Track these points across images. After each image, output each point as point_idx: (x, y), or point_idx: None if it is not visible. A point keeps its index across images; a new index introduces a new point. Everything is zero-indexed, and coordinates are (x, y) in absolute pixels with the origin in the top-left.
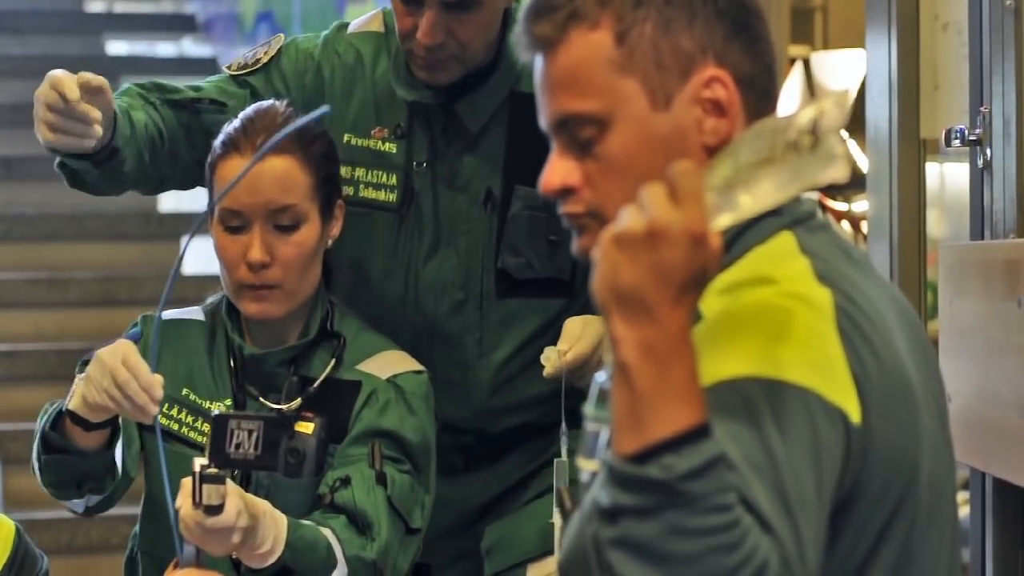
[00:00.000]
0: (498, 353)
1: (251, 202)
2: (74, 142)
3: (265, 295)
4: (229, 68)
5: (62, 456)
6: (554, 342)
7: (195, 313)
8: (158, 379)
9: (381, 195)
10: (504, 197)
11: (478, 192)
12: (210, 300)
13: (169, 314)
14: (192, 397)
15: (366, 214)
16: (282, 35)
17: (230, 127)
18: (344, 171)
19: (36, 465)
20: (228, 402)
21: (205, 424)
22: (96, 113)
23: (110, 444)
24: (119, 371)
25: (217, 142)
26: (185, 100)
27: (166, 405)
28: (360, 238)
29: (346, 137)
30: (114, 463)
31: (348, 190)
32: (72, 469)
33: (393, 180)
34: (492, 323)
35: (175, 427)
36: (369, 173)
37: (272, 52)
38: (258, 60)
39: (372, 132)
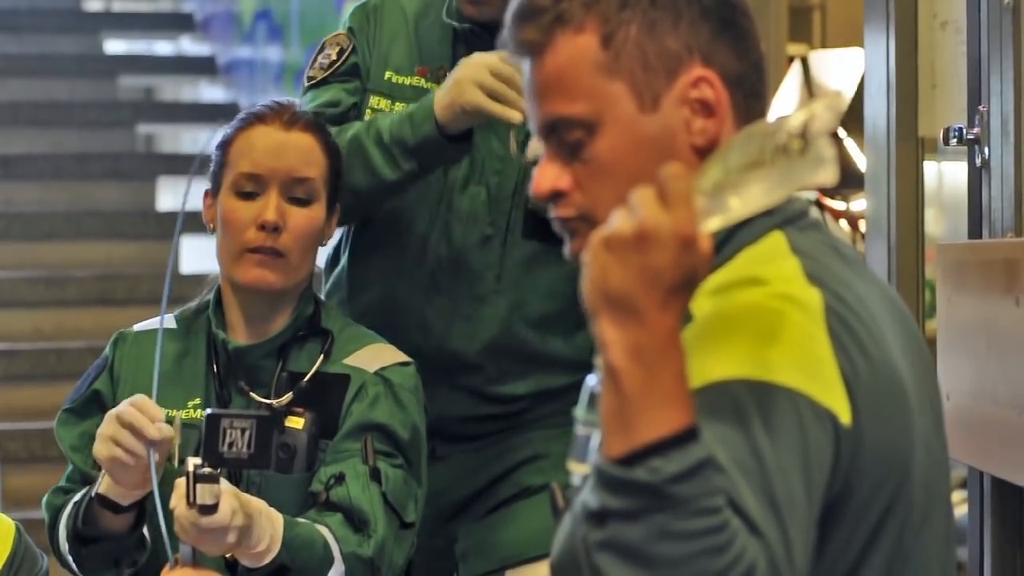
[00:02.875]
0: (514, 294)
1: (274, 167)
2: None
3: (268, 261)
4: (315, 79)
5: (97, 545)
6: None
7: (166, 322)
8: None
9: None
10: None
11: (515, 133)
12: (187, 306)
13: (140, 326)
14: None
15: None
16: (342, 33)
17: (246, 110)
18: (383, 103)
19: (72, 560)
20: (197, 400)
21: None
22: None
23: (139, 522)
24: (126, 411)
25: (236, 120)
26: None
27: None
28: None
29: (387, 75)
30: (143, 537)
31: None
32: (108, 552)
33: None
34: (513, 261)
35: None
36: (410, 107)
37: (348, 43)
38: (343, 51)
39: (415, 71)
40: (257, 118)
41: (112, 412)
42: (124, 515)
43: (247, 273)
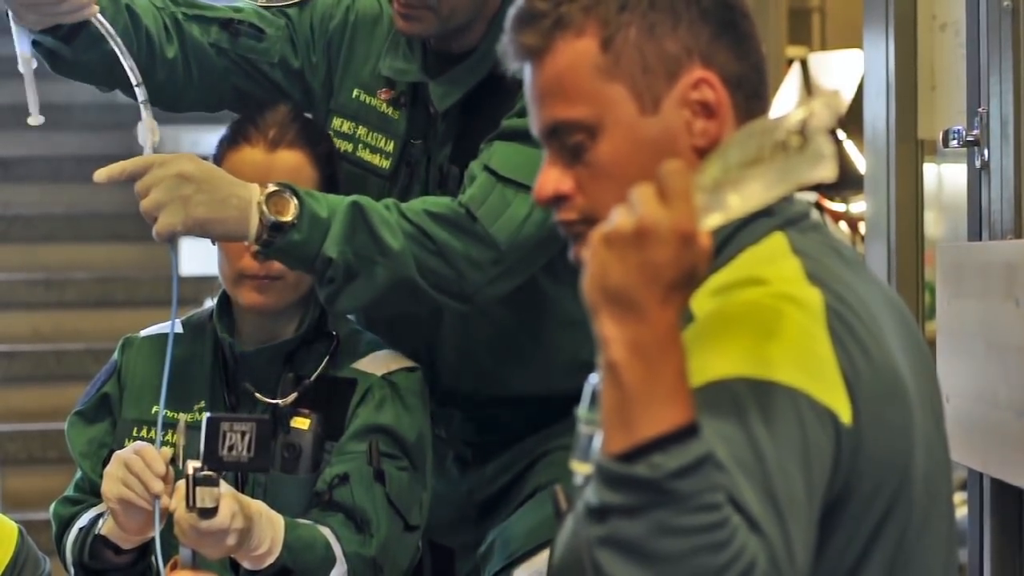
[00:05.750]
0: (459, 342)
1: None
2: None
3: (267, 286)
4: (256, 0)
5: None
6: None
7: (174, 327)
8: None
9: (376, 159)
10: (457, 178)
11: (441, 172)
12: (195, 312)
13: (148, 331)
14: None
15: (360, 175)
16: None
17: (238, 121)
18: (346, 126)
19: None
20: (202, 404)
21: (173, 435)
22: None
23: (142, 555)
24: (132, 460)
25: (224, 135)
26: (223, 19)
27: (135, 428)
28: (349, 195)
29: (355, 92)
30: (149, 565)
31: (347, 146)
32: None
33: (391, 147)
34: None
35: None
36: (370, 134)
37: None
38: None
39: (379, 93)
40: (243, 137)
41: (119, 455)
42: (126, 554)
43: (246, 297)
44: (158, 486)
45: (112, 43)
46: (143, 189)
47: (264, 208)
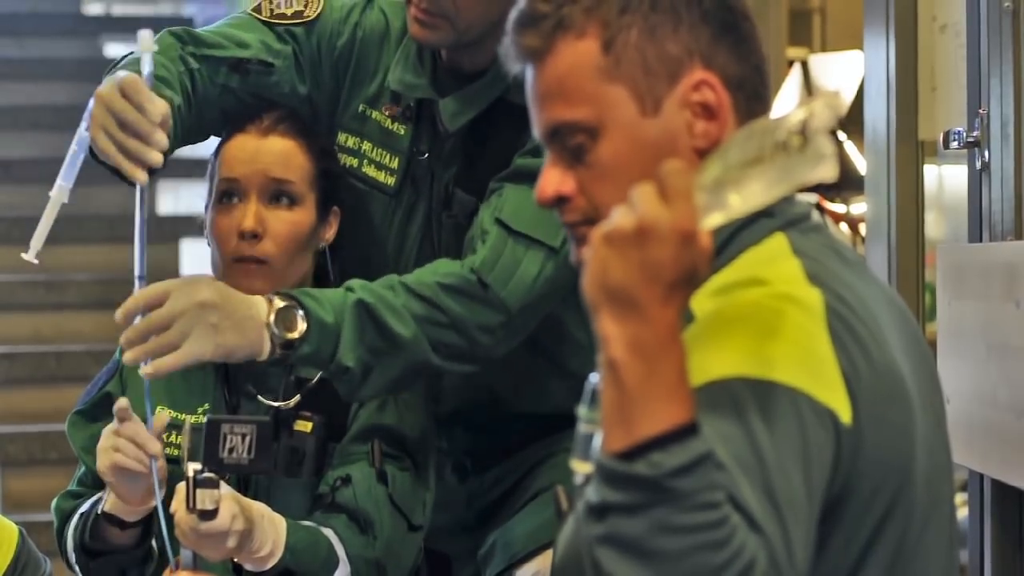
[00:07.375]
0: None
1: (248, 171)
2: (132, 167)
3: (253, 270)
4: (258, 12)
5: (104, 558)
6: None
7: None
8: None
9: (381, 176)
10: (463, 203)
11: (447, 191)
12: None
13: None
14: (167, 413)
15: (366, 191)
16: None
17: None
18: (352, 141)
19: (79, 570)
20: (207, 406)
21: (179, 437)
22: (163, 139)
23: (145, 535)
24: (122, 426)
25: (225, 132)
26: (232, 60)
27: None
28: (356, 212)
29: (361, 107)
30: (151, 549)
31: (352, 161)
32: (116, 565)
33: (395, 163)
34: None
35: None
36: (375, 150)
37: (317, 9)
38: (300, 13)
39: (383, 108)
40: (239, 127)
41: (108, 429)
42: (130, 530)
43: (236, 285)
44: (155, 446)
45: (137, 217)
46: (164, 321)
47: (274, 328)
